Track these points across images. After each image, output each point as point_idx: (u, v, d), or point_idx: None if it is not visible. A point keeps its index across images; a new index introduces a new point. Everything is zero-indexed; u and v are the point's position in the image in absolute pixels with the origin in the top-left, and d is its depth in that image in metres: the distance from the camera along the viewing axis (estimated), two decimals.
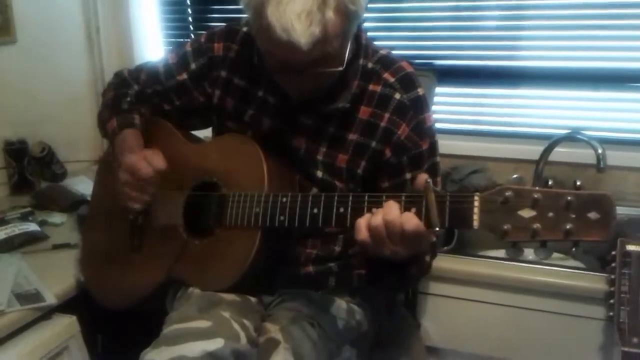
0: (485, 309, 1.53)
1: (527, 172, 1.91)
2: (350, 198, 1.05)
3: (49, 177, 2.12)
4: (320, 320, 1.23)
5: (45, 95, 2.17)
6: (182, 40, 2.42)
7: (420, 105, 1.21)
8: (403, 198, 0.98)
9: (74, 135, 2.29)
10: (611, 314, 1.33)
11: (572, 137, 1.72)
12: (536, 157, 1.84)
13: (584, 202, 0.85)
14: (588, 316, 1.44)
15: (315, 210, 1.08)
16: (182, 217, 1.29)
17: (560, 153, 1.81)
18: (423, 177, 0.97)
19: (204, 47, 1.33)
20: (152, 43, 2.45)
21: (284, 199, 1.13)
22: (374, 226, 0.96)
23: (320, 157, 1.23)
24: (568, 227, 0.86)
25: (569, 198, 0.86)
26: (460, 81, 2.02)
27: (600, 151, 1.59)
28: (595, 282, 1.43)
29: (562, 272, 1.49)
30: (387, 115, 1.20)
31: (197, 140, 1.41)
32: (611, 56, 1.83)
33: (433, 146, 1.23)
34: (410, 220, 0.94)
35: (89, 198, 1.95)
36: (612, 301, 1.33)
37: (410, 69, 1.23)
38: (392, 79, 1.21)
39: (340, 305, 1.29)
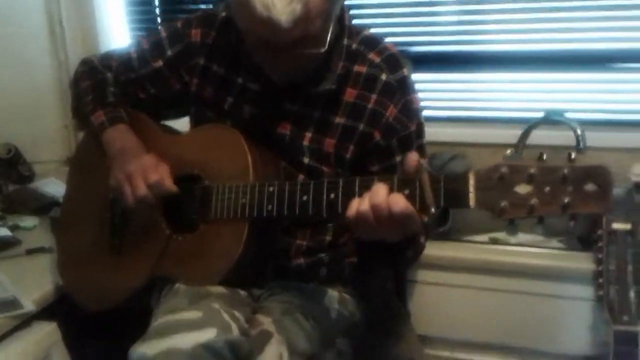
0: (473, 294, 1.53)
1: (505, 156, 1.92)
2: (341, 183, 1.02)
3: (15, 179, 2.04)
4: (312, 312, 1.21)
5: (7, 92, 2.08)
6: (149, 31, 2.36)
7: (407, 86, 1.19)
8: (395, 180, 0.95)
9: (40, 134, 2.20)
10: (600, 293, 1.34)
11: (549, 120, 1.72)
12: (512, 141, 1.84)
13: (580, 175, 0.83)
14: (577, 297, 1.45)
15: (305, 198, 1.05)
16: (163, 212, 1.24)
17: (539, 136, 1.81)
18: (414, 157, 0.94)
19: (181, 32, 1.29)
20: (118, 35, 2.36)
21: (271, 188, 1.10)
22: (362, 212, 0.93)
23: (306, 143, 1.20)
24: (566, 200, 0.84)
25: (565, 171, 0.84)
26: (435, 67, 2.01)
27: (579, 132, 1.60)
28: (582, 261, 1.44)
29: (548, 253, 1.50)
30: (374, 96, 1.17)
31: (174, 132, 1.37)
32: (585, 37, 1.83)
33: (420, 127, 1.21)
34: (398, 202, 0.91)
35: (60, 200, 1.90)
36: (600, 280, 1.34)
37: (394, 50, 1.21)
38: (377, 59, 1.18)
39: (332, 295, 1.27)
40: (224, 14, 1.27)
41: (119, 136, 1.27)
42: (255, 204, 1.11)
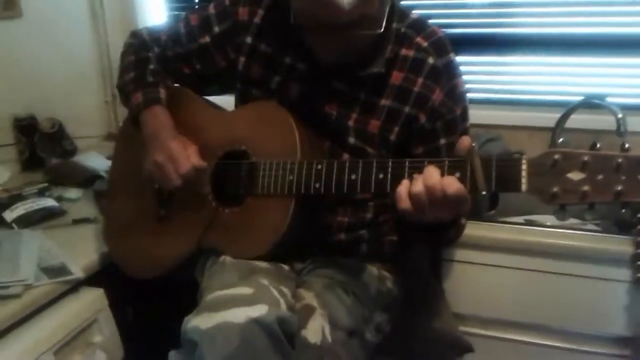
0: (508, 274, 1.54)
1: (541, 140, 1.91)
2: (390, 163, 1.04)
3: (59, 153, 2.09)
4: (353, 287, 1.24)
5: (52, 70, 2.13)
6: (186, 11, 2.38)
7: (454, 70, 1.20)
8: (446, 163, 0.97)
9: (82, 110, 2.26)
10: (639, 275, 1.35)
11: (589, 104, 1.71)
12: (549, 124, 1.84)
13: (633, 164, 0.85)
14: (612, 278, 1.46)
15: (354, 177, 1.08)
16: (211, 185, 1.28)
17: (577, 120, 1.81)
18: (466, 141, 0.96)
19: (229, 10, 1.31)
20: (156, 17, 2.40)
21: (319, 166, 1.12)
22: (415, 193, 0.95)
23: (351, 123, 1.22)
24: (619, 188, 0.86)
25: (619, 160, 0.86)
26: (474, 49, 2.00)
27: (620, 116, 1.59)
28: (619, 244, 1.45)
29: (584, 235, 1.51)
30: (420, 80, 1.19)
31: (221, 108, 1.40)
32: (624, 22, 1.82)
33: (465, 111, 1.23)
34: (452, 185, 0.93)
35: (102, 174, 1.96)
36: (639, 263, 1.35)
37: (442, 34, 1.22)
38: (425, 44, 1.20)
39: (372, 272, 1.29)
40: None
41: (152, 120, 1.30)
42: (303, 181, 1.13)
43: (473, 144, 0.95)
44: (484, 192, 0.93)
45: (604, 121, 1.73)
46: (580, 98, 1.76)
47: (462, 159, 0.96)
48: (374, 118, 1.22)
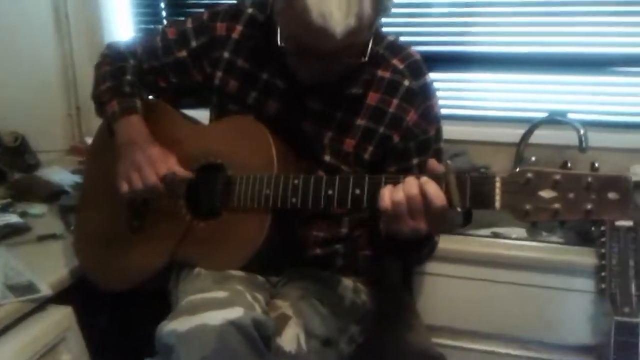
0: (477, 286, 1.57)
1: (506, 155, 1.97)
2: (367, 179, 1.05)
3: (22, 167, 2.04)
4: (328, 298, 1.25)
5: (14, 82, 2.09)
6: (153, 25, 2.36)
7: (429, 92, 1.23)
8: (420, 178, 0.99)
9: (45, 124, 2.22)
10: (603, 286, 1.39)
11: (553, 120, 1.77)
12: (514, 140, 1.90)
13: (603, 183, 0.88)
14: (576, 289, 1.50)
15: (330, 192, 1.09)
16: (185, 197, 1.27)
17: (540, 135, 1.87)
18: (434, 163, 0.99)
19: (206, 25, 1.32)
20: (122, 27, 2.38)
21: (296, 181, 1.13)
22: (396, 200, 0.97)
23: (327, 142, 1.24)
24: (589, 207, 0.89)
25: (589, 179, 0.89)
26: (440, 66, 2.04)
27: (582, 132, 1.65)
28: (583, 255, 1.50)
29: (549, 247, 1.55)
30: (395, 101, 1.21)
31: (197, 122, 1.40)
32: (585, 41, 1.89)
33: (438, 132, 1.26)
34: (433, 194, 0.95)
35: (67, 188, 1.92)
36: (603, 274, 1.40)
37: (418, 56, 1.25)
38: (401, 66, 1.22)
39: (347, 284, 1.31)
40: (250, 10, 1.30)
41: (128, 128, 1.29)
42: (279, 195, 1.14)
43: (448, 161, 0.98)
44: (459, 209, 0.96)
45: (566, 137, 1.79)
46: (543, 114, 1.82)
47: (438, 175, 0.98)
48: (349, 137, 1.23)
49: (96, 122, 2.31)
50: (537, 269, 1.53)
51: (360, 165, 1.24)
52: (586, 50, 1.89)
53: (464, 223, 0.98)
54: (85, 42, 2.30)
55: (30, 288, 1.34)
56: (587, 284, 1.49)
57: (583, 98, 1.94)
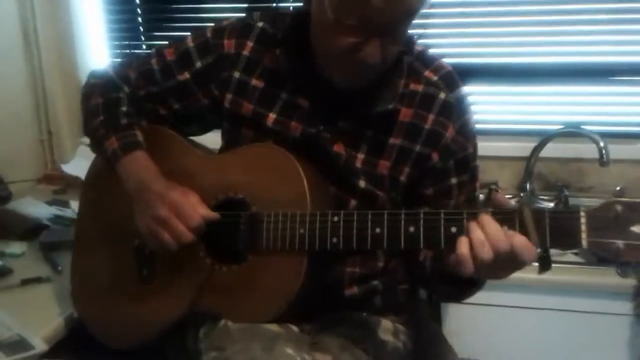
0: (507, 313, 1.51)
1: (512, 170, 1.90)
2: (422, 215, 0.94)
3: None
4: (369, 345, 1.13)
5: None
6: (130, 42, 2.23)
7: (465, 105, 1.14)
8: (490, 215, 0.88)
9: (15, 151, 2.04)
10: None
11: (569, 132, 1.71)
12: (519, 154, 1.84)
13: None
14: (614, 312, 1.44)
15: (378, 230, 0.97)
16: (203, 240, 1.13)
17: (552, 149, 1.81)
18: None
19: (212, 43, 1.19)
20: (96, 45, 2.21)
21: (336, 218, 1.01)
22: (484, 260, 0.85)
23: (359, 165, 1.12)
24: None
25: None
26: None
27: (602, 144, 1.59)
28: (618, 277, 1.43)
29: (584, 269, 1.49)
30: (431, 116, 1.11)
31: (209, 151, 1.25)
32: (593, 51, 1.85)
33: (476, 149, 1.16)
34: (526, 250, 0.84)
35: (45, 222, 1.75)
36: None
37: (450, 67, 1.15)
38: (435, 77, 1.12)
39: (387, 326, 1.19)
40: (260, 24, 1.18)
41: (134, 167, 1.14)
42: (317, 235, 1.02)
43: (522, 194, 0.88)
44: (538, 249, 0.85)
45: (579, 149, 1.74)
46: (551, 127, 1.76)
47: (509, 210, 0.88)
48: (383, 158, 1.12)
49: (71, 148, 2.18)
50: (571, 293, 1.45)
51: (395, 190, 1.13)
52: (591, 59, 1.84)
53: (543, 267, 0.89)
54: (57, 58, 2.12)
55: (22, 344, 1.19)
56: (624, 306, 1.42)
57: (596, 109, 1.89)
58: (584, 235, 0.83)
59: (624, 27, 1.80)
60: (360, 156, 1.12)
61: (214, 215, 1.07)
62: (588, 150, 1.70)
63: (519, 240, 0.85)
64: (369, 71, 1.04)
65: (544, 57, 1.87)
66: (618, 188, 0.86)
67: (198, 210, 1.05)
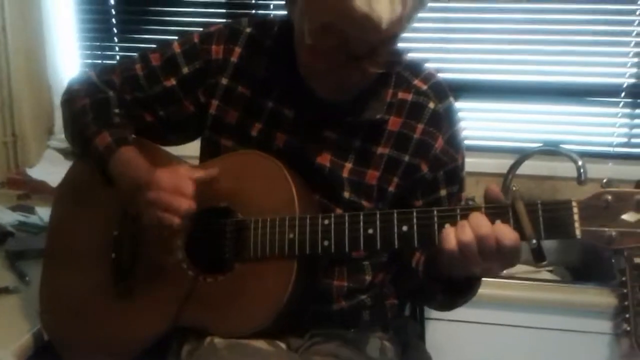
0: (489, 330, 1.49)
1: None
2: (415, 214, 0.94)
3: None
4: None
5: None
6: (103, 44, 2.16)
7: (454, 116, 1.13)
8: (483, 209, 0.89)
9: None
10: (627, 328, 1.33)
11: (547, 150, 1.73)
12: (496, 170, 1.85)
13: None
14: (593, 331, 1.44)
15: (371, 231, 0.96)
16: (185, 251, 1.09)
17: (529, 166, 1.82)
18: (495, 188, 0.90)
19: (199, 48, 1.15)
20: (67, 47, 2.14)
21: (326, 221, 0.99)
22: (465, 243, 0.86)
23: (346, 175, 1.10)
24: None
25: None
26: None
27: (580, 163, 1.61)
28: (602, 295, 1.43)
29: (566, 287, 1.50)
30: (421, 126, 1.09)
31: (191, 164, 1.19)
32: (571, 71, 1.88)
33: (464, 160, 1.16)
34: (507, 234, 0.85)
35: (10, 229, 1.66)
36: (627, 315, 1.34)
37: (440, 77, 1.14)
38: (424, 87, 1.11)
39: (374, 344, 1.16)
40: (249, 29, 1.15)
41: (132, 155, 1.09)
42: (307, 239, 0.99)
43: (513, 187, 0.87)
44: (533, 241, 0.85)
45: (556, 168, 1.76)
46: (530, 144, 1.78)
47: (502, 204, 0.88)
48: (371, 168, 1.10)
49: (36, 151, 2.09)
50: (552, 311, 1.45)
51: (382, 201, 1.11)
52: (574, 79, 1.88)
53: (538, 258, 0.89)
54: (25, 59, 2.04)
55: None
56: (604, 325, 1.42)
57: (574, 128, 1.92)
58: (577, 225, 0.84)
59: (603, 49, 1.84)
60: (349, 165, 1.10)
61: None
62: (564, 169, 1.72)
63: (501, 226, 0.86)
64: (352, 87, 1.03)
65: (524, 76, 1.90)
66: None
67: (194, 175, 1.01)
